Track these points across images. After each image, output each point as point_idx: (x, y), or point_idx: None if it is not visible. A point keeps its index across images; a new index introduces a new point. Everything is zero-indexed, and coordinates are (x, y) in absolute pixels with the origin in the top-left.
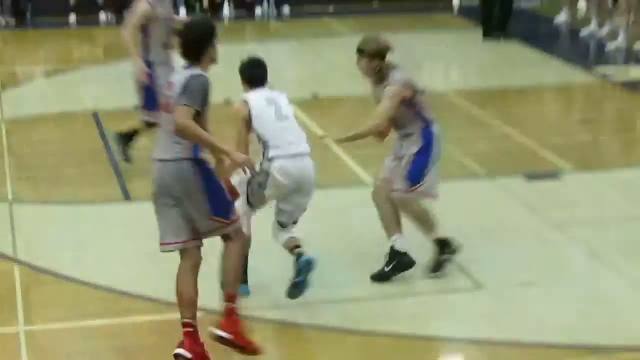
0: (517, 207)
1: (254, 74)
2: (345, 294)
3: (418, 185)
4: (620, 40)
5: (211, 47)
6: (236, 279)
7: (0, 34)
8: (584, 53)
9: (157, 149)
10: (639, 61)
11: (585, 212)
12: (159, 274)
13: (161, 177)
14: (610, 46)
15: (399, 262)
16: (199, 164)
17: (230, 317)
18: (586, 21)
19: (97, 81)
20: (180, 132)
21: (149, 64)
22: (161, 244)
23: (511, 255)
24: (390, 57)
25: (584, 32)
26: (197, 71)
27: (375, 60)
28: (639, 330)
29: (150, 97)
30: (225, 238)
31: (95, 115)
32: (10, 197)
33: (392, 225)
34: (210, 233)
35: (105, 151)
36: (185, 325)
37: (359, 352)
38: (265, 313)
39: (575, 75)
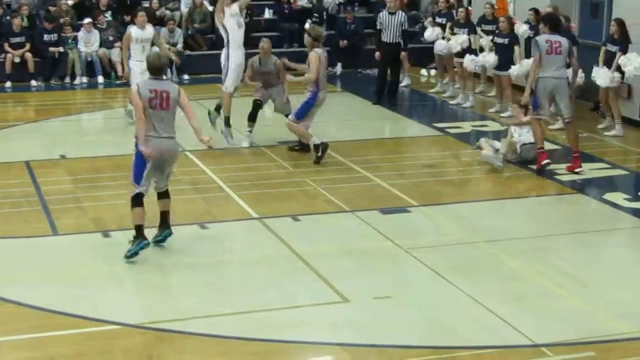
0: (374, 235)
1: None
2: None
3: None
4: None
5: None
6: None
7: None
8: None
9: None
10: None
11: (428, 239)
12: (79, 295)
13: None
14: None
15: (322, 146)
16: None
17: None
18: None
19: (29, 136)
20: None
21: None
22: None
23: (370, 274)
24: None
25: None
26: None
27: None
28: (473, 332)
29: None
30: None
31: (27, 164)
32: None
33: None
34: None
35: (36, 194)
36: None
37: (250, 356)
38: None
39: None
